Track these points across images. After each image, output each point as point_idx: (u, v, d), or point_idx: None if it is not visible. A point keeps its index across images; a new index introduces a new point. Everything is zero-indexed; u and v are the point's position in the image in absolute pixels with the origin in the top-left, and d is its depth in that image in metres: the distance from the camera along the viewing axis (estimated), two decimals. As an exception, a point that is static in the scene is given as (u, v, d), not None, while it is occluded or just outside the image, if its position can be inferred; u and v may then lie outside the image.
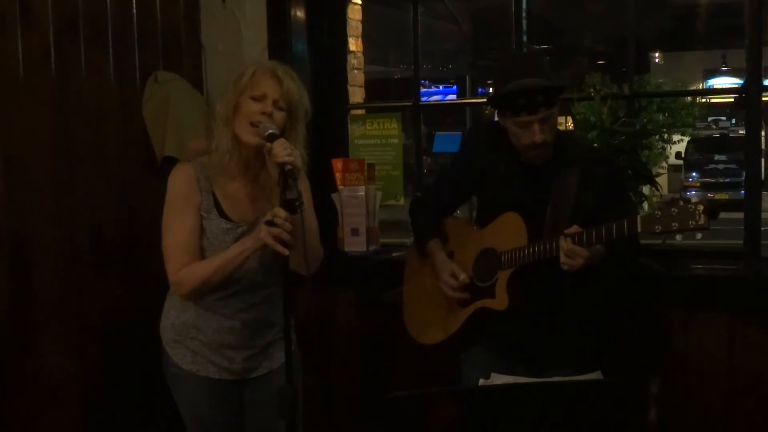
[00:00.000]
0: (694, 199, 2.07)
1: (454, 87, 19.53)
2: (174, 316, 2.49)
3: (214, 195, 2.40)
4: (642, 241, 2.58)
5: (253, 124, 2.31)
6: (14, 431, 3.12)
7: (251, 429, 2.55)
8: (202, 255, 2.39)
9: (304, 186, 2.39)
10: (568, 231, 2.26)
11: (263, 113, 2.31)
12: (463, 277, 2.54)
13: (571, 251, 2.23)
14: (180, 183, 2.41)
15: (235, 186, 2.42)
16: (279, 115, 2.34)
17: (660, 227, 2.10)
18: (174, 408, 3.46)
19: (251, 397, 2.52)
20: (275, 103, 2.33)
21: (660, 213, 2.11)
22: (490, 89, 2.55)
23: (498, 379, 2.22)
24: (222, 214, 2.39)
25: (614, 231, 2.18)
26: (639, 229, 2.15)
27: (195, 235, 2.38)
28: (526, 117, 2.37)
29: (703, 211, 2.02)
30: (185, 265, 2.37)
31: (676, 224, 2.07)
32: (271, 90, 2.34)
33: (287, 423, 2.21)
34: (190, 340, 2.46)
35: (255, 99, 2.33)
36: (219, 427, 2.51)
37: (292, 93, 2.36)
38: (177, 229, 2.38)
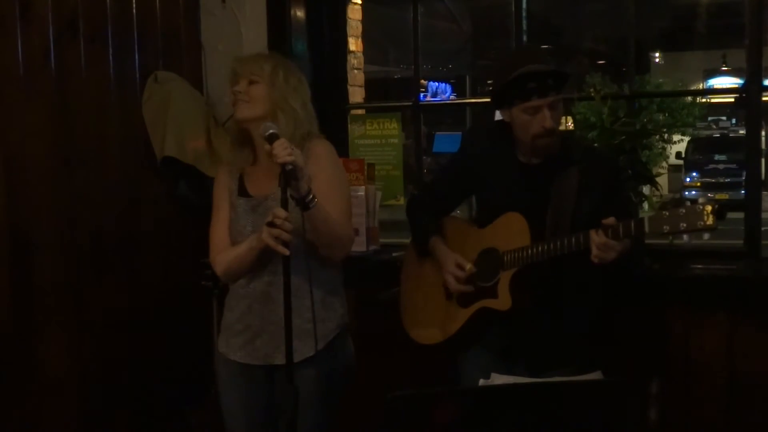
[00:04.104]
0: (701, 200, 2.07)
1: (447, 84, 19.51)
2: (226, 300, 2.63)
3: (241, 177, 2.56)
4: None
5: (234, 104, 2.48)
6: (14, 430, 3.11)
7: (281, 415, 2.52)
8: (230, 233, 2.53)
9: (327, 162, 2.51)
10: (605, 222, 2.24)
11: (234, 92, 2.47)
12: (469, 266, 2.53)
13: (605, 245, 2.23)
14: (218, 176, 2.64)
15: (256, 166, 2.55)
16: (254, 89, 2.47)
17: (668, 227, 2.11)
18: (173, 408, 3.48)
19: (281, 384, 2.47)
20: (249, 81, 2.47)
21: (668, 213, 2.11)
22: (491, 89, 2.56)
23: (498, 379, 2.22)
24: (243, 193, 2.53)
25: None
26: (646, 230, 2.15)
27: (227, 223, 2.55)
28: (537, 101, 2.37)
29: (712, 211, 2.02)
30: (219, 250, 2.54)
31: (685, 225, 2.07)
32: (239, 74, 2.49)
33: (287, 423, 2.21)
34: (227, 322, 2.57)
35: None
36: (245, 411, 2.54)
37: (254, 63, 2.50)
38: (215, 218, 2.59)
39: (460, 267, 2.54)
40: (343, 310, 2.58)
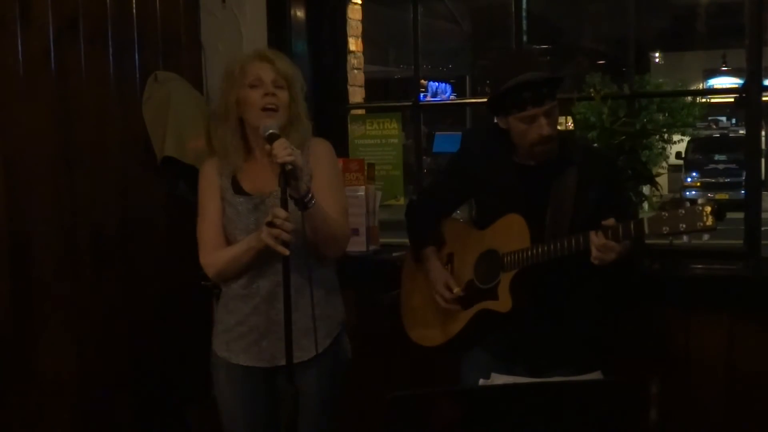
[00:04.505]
0: (700, 200, 2.08)
1: (447, 84, 19.55)
2: (220, 304, 2.58)
3: (234, 175, 2.49)
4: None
5: (264, 110, 2.38)
6: (15, 430, 3.12)
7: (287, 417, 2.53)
8: (225, 234, 2.48)
9: (327, 162, 2.50)
10: (605, 223, 2.24)
11: (266, 95, 2.38)
12: (456, 290, 2.54)
13: (604, 246, 2.22)
14: (204, 173, 2.54)
15: (253, 163, 2.49)
16: (282, 94, 2.42)
17: (667, 228, 2.11)
18: (173, 408, 3.48)
19: (283, 386, 2.47)
20: (274, 82, 2.41)
21: (667, 214, 2.11)
22: (488, 91, 2.55)
23: (498, 379, 2.23)
24: (238, 191, 2.47)
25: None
26: (646, 231, 2.15)
27: (217, 222, 2.50)
28: (533, 110, 2.37)
29: (711, 212, 2.03)
30: (211, 250, 2.48)
31: (684, 225, 2.07)
32: (264, 73, 2.41)
33: (287, 423, 2.21)
34: (224, 325, 2.52)
35: (253, 86, 2.40)
36: (247, 416, 2.52)
37: (286, 69, 2.44)
38: (202, 217, 2.51)
39: (449, 288, 2.55)
40: (342, 308, 2.60)
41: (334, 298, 2.57)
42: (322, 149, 2.52)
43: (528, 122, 2.39)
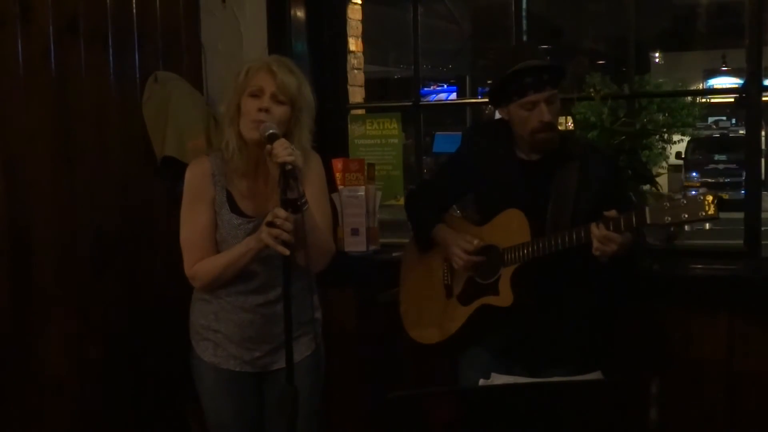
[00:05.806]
0: (701, 190, 2.08)
1: (454, 87, 19.58)
2: (198, 309, 2.54)
3: (228, 190, 2.44)
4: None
5: (254, 122, 2.31)
6: (14, 430, 3.12)
7: (271, 423, 2.54)
8: (217, 249, 2.43)
9: (317, 176, 2.46)
10: (607, 214, 2.24)
11: (260, 110, 2.32)
12: (477, 242, 2.51)
13: (606, 237, 2.23)
14: (193, 178, 2.47)
15: (249, 181, 2.44)
16: (279, 110, 2.34)
17: (670, 218, 2.11)
18: (172, 408, 3.47)
19: (271, 390, 2.50)
20: (273, 97, 2.34)
21: (669, 204, 2.11)
22: (489, 84, 2.56)
23: (498, 379, 2.22)
24: (234, 210, 2.42)
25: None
26: (648, 221, 2.15)
27: (208, 230, 2.43)
28: (534, 96, 2.39)
29: (713, 200, 2.03)
30: (199, 260, 2.43)
31: (686, 215, 2.08)
32: (266, 84, 2.34)
33: (287, 423, 2.21)
34: (213, 333, 2.49)
35: (253, 95, 2.34)
36: (237, 420, 2.51)
37: (289, 85, 2.35)
38: (190, 225, 2.45)
39: (469, 241, 2.53)
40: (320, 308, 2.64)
41: (316, 300, 2.58)
42: (315, 163, 2.49)
43: (529, 109, 2.40)
